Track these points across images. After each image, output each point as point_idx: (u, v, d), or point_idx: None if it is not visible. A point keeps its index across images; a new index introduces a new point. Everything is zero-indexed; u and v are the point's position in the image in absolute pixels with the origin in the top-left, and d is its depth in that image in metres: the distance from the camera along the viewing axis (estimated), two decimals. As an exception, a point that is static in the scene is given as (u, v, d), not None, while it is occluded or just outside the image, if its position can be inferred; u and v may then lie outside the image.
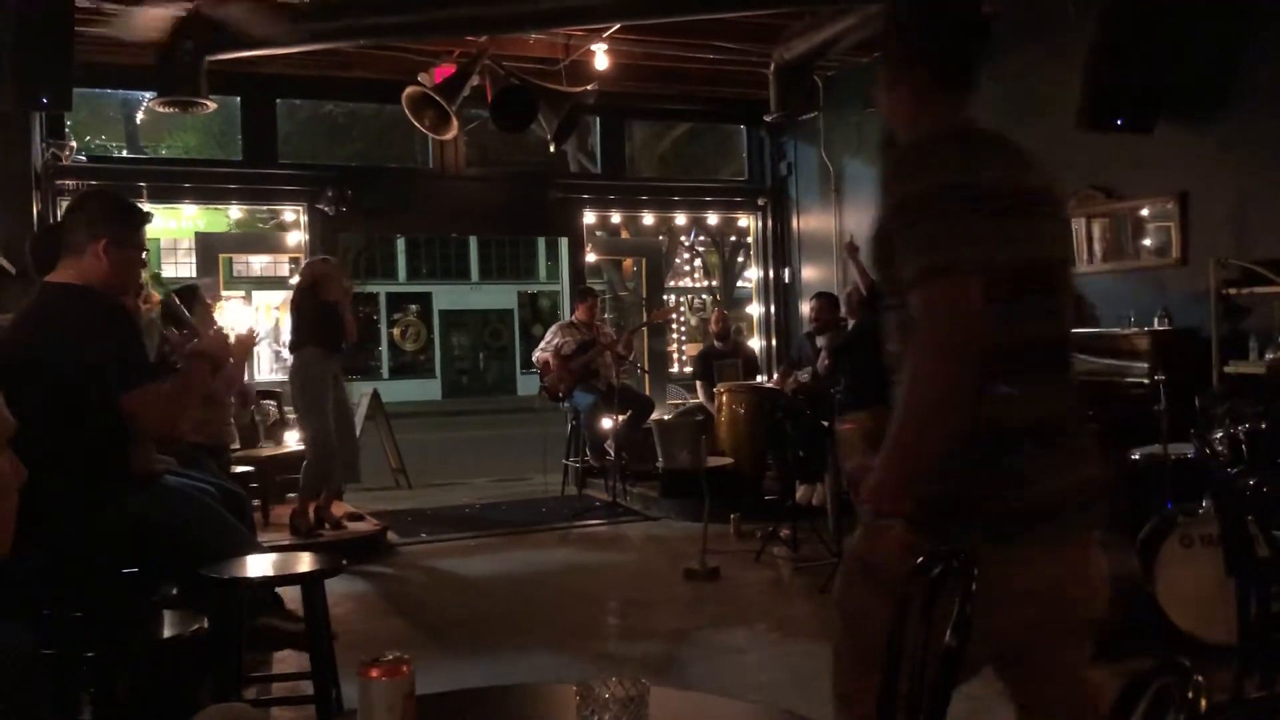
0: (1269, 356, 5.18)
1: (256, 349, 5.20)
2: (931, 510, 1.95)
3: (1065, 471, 1.97)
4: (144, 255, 3.47)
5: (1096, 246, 6.90)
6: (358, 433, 9.37)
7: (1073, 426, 2.02)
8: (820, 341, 7.74)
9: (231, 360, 5.36)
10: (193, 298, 6.09)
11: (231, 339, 5.08)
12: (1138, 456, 5.11)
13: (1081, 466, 2.01)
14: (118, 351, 3.09)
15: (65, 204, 7.44)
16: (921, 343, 1.87)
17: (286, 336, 7.02)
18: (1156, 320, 6.00)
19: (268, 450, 7.41)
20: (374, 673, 1.45)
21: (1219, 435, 4.15)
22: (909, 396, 1.89)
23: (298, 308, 6.81)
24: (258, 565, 3.30)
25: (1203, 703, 1.09)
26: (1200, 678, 1.13)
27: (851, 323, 7.10)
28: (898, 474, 1.91)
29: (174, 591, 3.08)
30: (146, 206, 8.60)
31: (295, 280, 7.36)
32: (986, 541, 1.86)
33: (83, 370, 3.03)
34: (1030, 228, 1.97)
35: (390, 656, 1.46)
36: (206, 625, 2.69)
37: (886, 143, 2.21)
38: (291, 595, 3.78)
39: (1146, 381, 5.39)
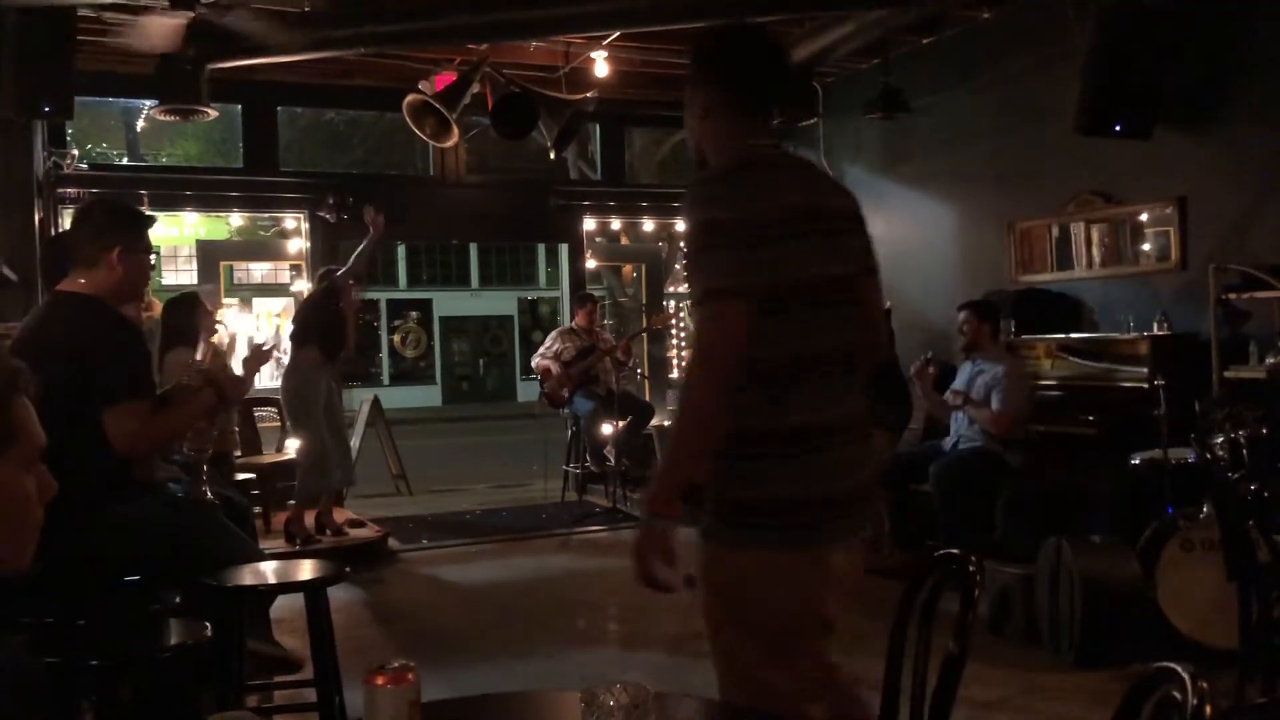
0: (1269, 361, 5.17)
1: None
2: (713, 512, 2.18)
3: (835, 477, 2.14)
4: (152, 257, 3.49)
5: (1095, 251, 6.91)
6: (358, 440, 9.39)
7: (848, 435, 2.18)
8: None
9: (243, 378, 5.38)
10: (194, 305, 6.10)
11: (249, 346, 5.08)
12: (1138, 461, 5.11)
13: (852, 473, 2.18)
14: (116, 366, 3.10)
15: (68, 213, 7.47)
16: (693, 356, 2.12)
17: (287, 342, 7.03)
18: (1156, 325, 6.00)
19: (269, 457, 7.41)
20: (379, 680, 1.45)
21: (1219, 440, 4.14)
22: (680, 403, 2.14)
23: (312, 308, 6.84)
24: (260, 573, 3.30)
25: (1207, 709, 1.09)
26: (1204, 684, 1.13)
27: None
28: (670, 478, 2.12)
29: (176, 599, 3.08)
30: (148, 214, 8.63)
31: (311, 285, 7.44)
32: (759, 540, 2.11)
33: (90, 378, 3.04)
34: (809, 248, 2.14)
35: (396, 664, 1.46)
36: (209, 633, 2.69)
37: (698, 165, 2.36)
38: (289, 604, 3.78)
39: (1146, 386, 5.40)
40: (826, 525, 2.14)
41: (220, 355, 5.48)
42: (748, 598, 2.17)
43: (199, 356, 5.43)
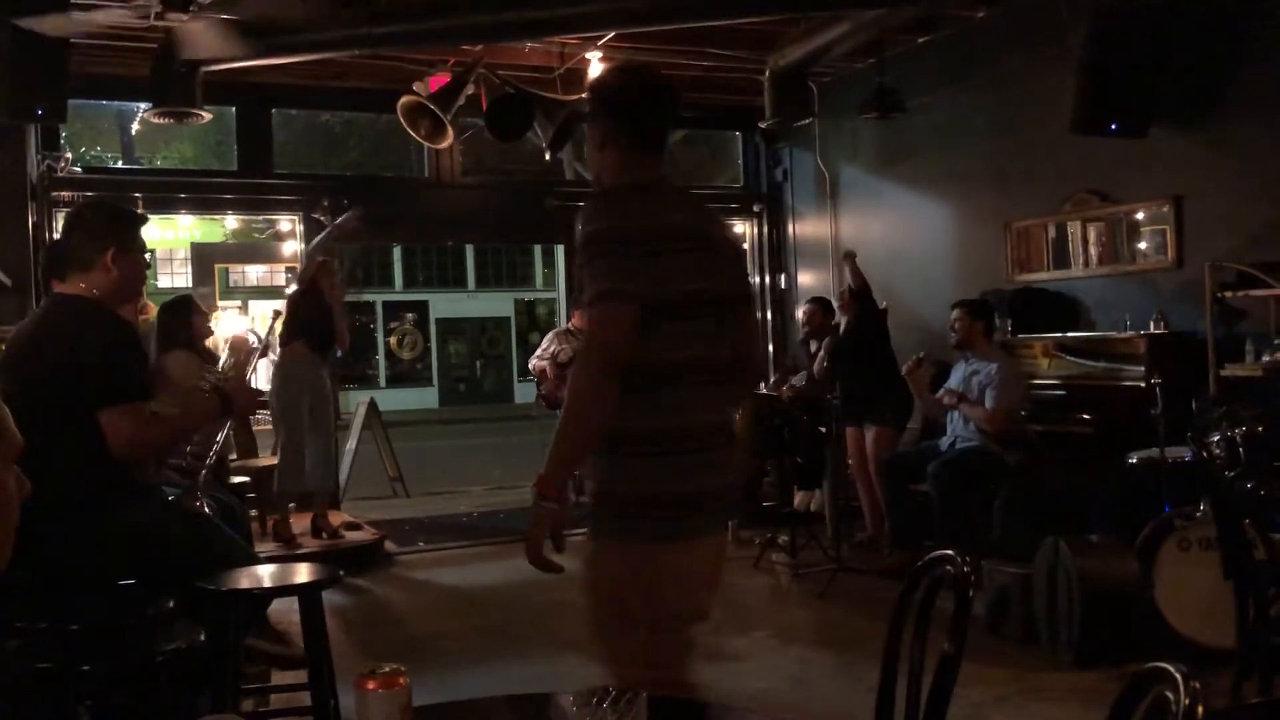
0: (1265, 359, 5.18)
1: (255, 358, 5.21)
2: (592, 506, 2.41)
3: (705, 476, 2.35)
4: (146, 256, 3.50)
5: (1092, 250, 6.91)
6: (353, 442, 9.37)
7: (718, 438, 2.39)
8: (814, 346, 7.74)
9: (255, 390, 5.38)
10: (188, 308, 6.10)
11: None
12: (1135, 460, 5.12)
13: (721, 473, 2.39)
14: (113, 368, 3.09)
15: (62, 217, 7.44)
16: (581, 355, 2.37)
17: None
18: (1152, 324, 6.00)
19: (265, 460, 7.40)
20: (371, 685, 1.44)
21: (1216, 438, 4.15)
22: (568, 397, 2.31)
23: (294, 303, 6.87)
24: (255, 577, 3.29)
25: (1199, 709, 1.09)
26: (1197, 683, 1.13)
27: (844, 323, 7.09)
28: (557, 463, 2.32)
29: (170, 604, 3.07)
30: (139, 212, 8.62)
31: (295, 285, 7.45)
32: (634, 533, 2.34)
33: (87, 380, 3.04)
34: (691, 262, 2.35)
35: (387, 668, 1.46)
36: (203, 637, 2.68)
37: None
38: (283, 607, 3.77)
39: (1143, 385, 5.40)
40: (695, 520, 2.35)
41: (241, 366, 5.47)
42: (625, 587, 2.39)
43: (222, 362, 5.44)
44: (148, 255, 3.54)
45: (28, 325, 3.32)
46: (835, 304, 7.31)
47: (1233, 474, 3.88)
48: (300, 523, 6.96)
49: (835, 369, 6.80)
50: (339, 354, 7.08)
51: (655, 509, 2.32)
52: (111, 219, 3.31)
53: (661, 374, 2.30)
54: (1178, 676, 1.14)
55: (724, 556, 2.56)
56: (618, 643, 2.43)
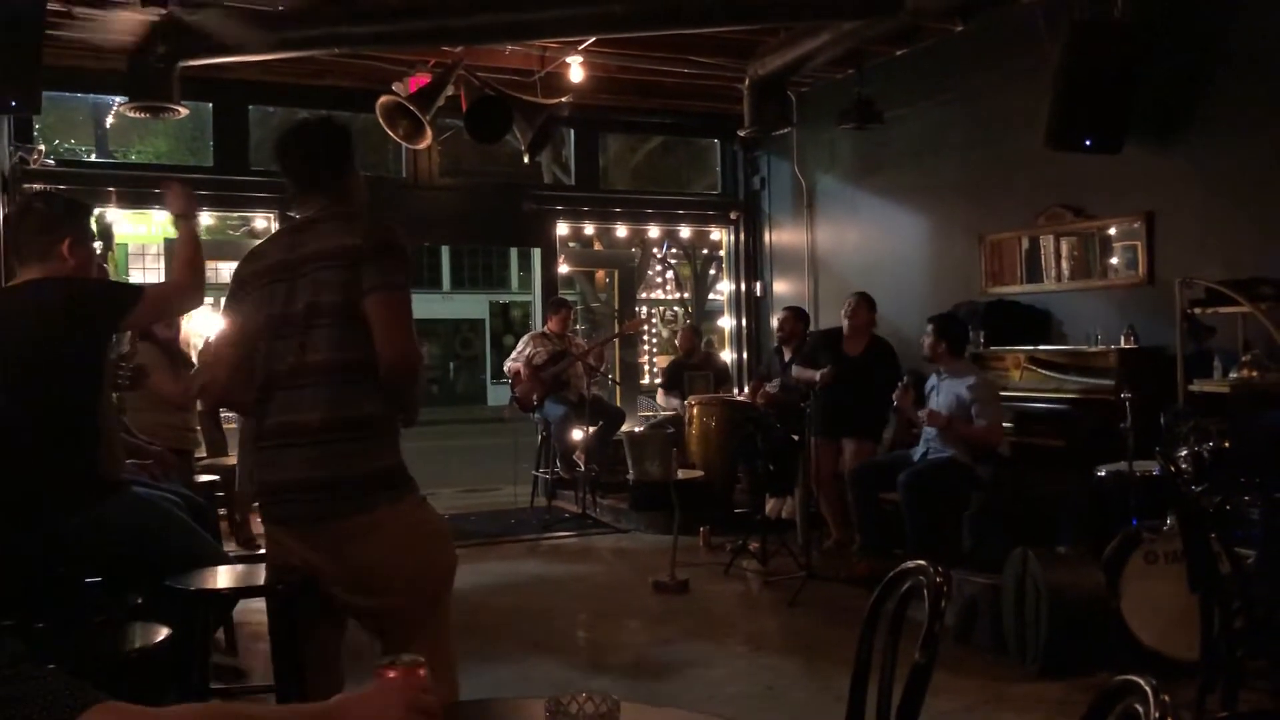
0: (1233, 375, 5.24)
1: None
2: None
3: (274, 471, 2.71)
4: (98, 247, 3.55)
5: (1065, 264, 6.98)
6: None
7: (289, 438, 2.67)
8: (788, 354, 7.77)
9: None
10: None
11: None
12: (1104, 473, 5.16)
13: (283, 470, 2.68)
14: (109, 288, 3.27)
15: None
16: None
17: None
18: (1123, 338, 6.06)
19: (234, 458, 7.32)
20: (391, 674, 1.42)
21: (1183, 453, 4.19)
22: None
23: None
24: (223, 576, 3.26)
25: (1167, 721, 1.10)
26: (1167, 696, 1.14)
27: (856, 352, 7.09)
28: None
29: (138, 601, 3.04)
30: (117, 211, 8.53)
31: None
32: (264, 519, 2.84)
33: (54, 368, 3.02)
34: (260, 296, 2.73)
35: (407, 658, 1.44)
36: (170, 636, 2.66)
37: None
38: (252, 607, 3.74)
39: (1113, 399, 5.45)
40: (283, 511, 2.74)
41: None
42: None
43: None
44: (97, 245, 3.60)
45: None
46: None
47: (1199, 488, 3.91)
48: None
49: (830, 390, 6.75)
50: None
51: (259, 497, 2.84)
52: (65, 209, 3.34)
53: (258, 386, 2.77)
54: (1148, 689, 1.15)
55: (286, 550, 2.82)
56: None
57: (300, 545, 2.71)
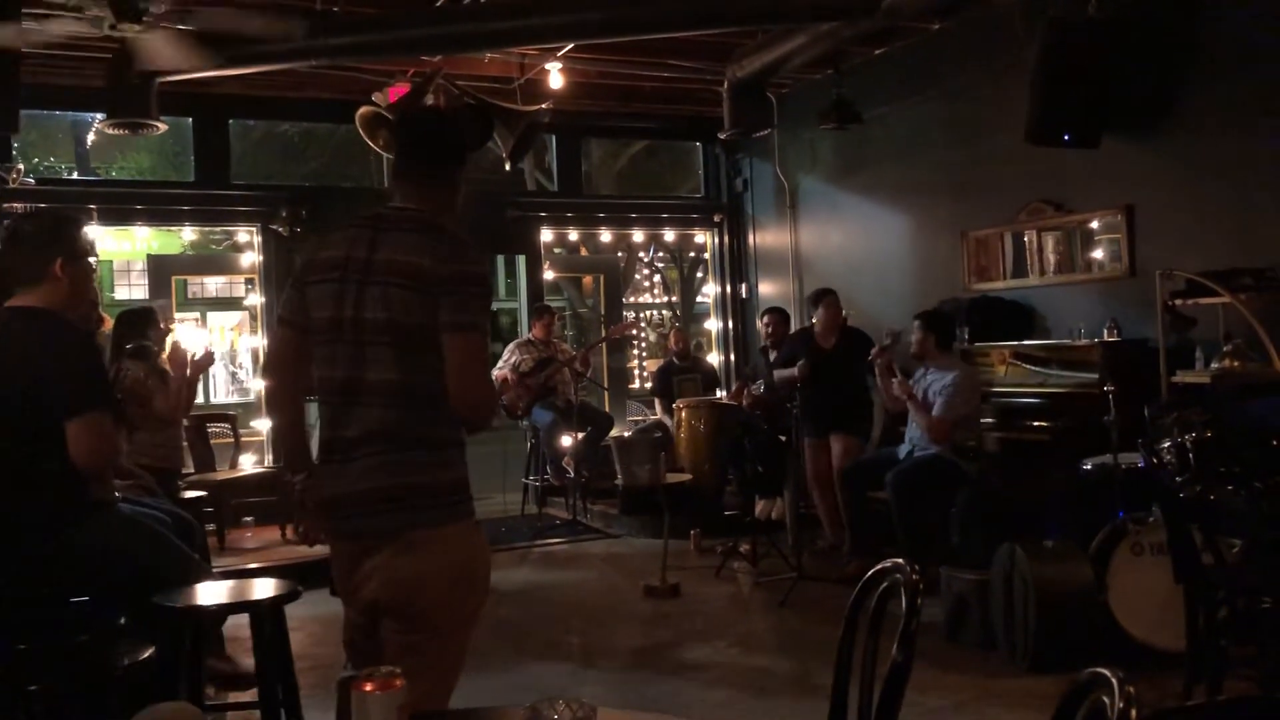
0: (1214, 366, 5.26)
1: (212, 370, 5.15)
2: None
3: (334, 483, 2.54)
4: (93, 261, 3.46)
5: (1048, 259, 7.01)
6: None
7: (348, 451, 2.52)
8: (773, 356, 7.78)
9: (187, 380, 5.30)
10: (148, 320, 6.02)
11: (190, 358, 5.03)
12: (1089, 466, 5.18)
13: (347, 482, 2.51)
14: (75, 377, 3.06)
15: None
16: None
17: (243, 358, 6.98)
18: (1106, 331, 6.09)
19: (222, 474, 7.32)
20: (368, 686, 1.43)
21: (1166, 445, 4.21)
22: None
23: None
24: (211, 593, 3.26)
25: (1133, 713, 1.11)
26: (1131, 688, 1.15)
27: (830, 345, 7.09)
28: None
29: (122, 620, 3.03)
30: (98, 229, 8.51)
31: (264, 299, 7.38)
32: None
33: (48, 391, 3.00)
34: (310, 295, 2.59)
35: (384, 670, 1.45)
36: (155, 654, 2.66)
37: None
38: (242, 621, 3.73)
39: (1097, 392, 5.47)
40: (349, 526, 2.55)
41: (177, 379, 5.42)
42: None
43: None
44: (94, 260, 3.51)
45: None
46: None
47: (1182, 480, 3.94)
48: (268, 534, 6.93)
49: (812, 386, 6.74)
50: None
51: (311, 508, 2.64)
52: (54, 228, 3.26)
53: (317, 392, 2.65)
54: (1114, 681, 1.17)
55: (355, 566, 2.64)
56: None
57: (349, 557, 2.59)
